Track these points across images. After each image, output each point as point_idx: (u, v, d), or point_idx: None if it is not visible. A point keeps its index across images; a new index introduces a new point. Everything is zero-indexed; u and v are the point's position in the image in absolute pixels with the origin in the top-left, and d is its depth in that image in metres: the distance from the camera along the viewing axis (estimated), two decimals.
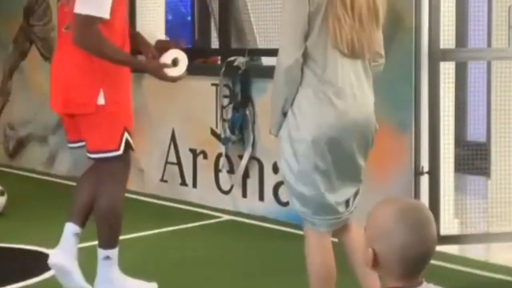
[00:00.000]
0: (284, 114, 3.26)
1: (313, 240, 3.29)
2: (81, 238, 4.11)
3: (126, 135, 4.11)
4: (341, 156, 3.19)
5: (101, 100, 3.98)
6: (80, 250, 4.09)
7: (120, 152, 4.04)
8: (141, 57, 4.35)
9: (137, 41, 4.24)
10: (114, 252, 4.00)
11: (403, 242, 1.91)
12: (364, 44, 3.19)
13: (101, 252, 3.99)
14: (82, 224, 4.10)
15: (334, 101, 3.14)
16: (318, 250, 3.27)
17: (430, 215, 1.97)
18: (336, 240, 3.46)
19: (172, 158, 6.41)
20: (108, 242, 3.98)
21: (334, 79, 3.15)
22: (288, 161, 3.20)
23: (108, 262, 3.99)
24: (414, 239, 1.91)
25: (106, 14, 3.76)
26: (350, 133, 3.20)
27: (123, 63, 4.00)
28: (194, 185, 6.28)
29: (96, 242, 4.06)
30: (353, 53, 3.18)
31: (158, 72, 4.06)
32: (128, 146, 4.11)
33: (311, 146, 3.14)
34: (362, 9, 3.15)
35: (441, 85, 4.86)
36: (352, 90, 3.20)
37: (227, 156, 5.93)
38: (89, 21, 3.72)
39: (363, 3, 3.16)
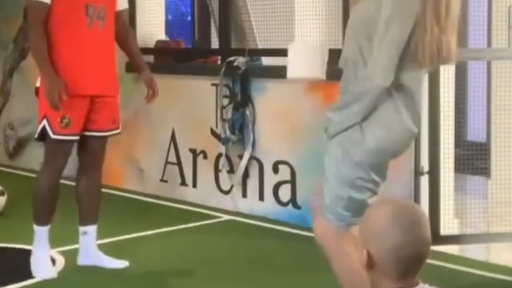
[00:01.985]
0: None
1: (346, 244, 3.10)
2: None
3: (44, 122, 4.31)
4: (388, 164, 3.12)
5: (37, 83, 4.44)
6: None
7: (36, 137, 4.43)
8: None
9: (131, 58, 4.71)
10: (38, 230, 4.40)
11: (397, 243, 1.91)
12: (445, 54, 2.99)
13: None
14: (82, 223, 4.56)
15: (403, 111, 3.02)
16: (351, 253, 3.12)
17: (424, 216, 1.98)
18: None
19: (172, 158, 6.41)
20: (34, 217, 4.40)
21: (407, 89, 3.03)
22: (339, 163, 3.02)
23: (35, 236, 4.40)
24: (407, 239, 1.92)
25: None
26: (407, 145, 3.15)
27: (35, 60, 4.28)
28: (194, 185, 6.28)
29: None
30: (432, 64, 3.03)
31: (49, 95, 4.19)
32: (45, 132, 4.33)
33: (372, 153, 3.00)
34: (454, 17, 2.96)
35: (441, 85, 4.86)
36: (416, 99, 3.10)
37: (227, 156, 5.93)
38: (31, 5, 4.24)
39: (456, 9, 2.97)
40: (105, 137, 4.52)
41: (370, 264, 1.95)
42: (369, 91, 2.96)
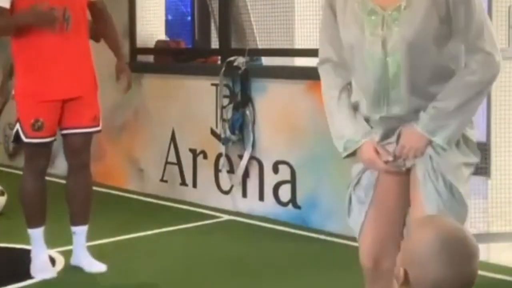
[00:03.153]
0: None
1: None
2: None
3: (17, 125, 4.40)
4: None
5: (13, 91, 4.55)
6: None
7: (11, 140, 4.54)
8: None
9: (109, 46, 4.70)
10: (31, 232, 4.43)
11: (440, 277, 1.74)
12: None
13: None
14: (71, 223, 4.56)
15: None
16: None
17: (474, 245, 1.79)
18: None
19: (172, 158, 6.41)
20: (26, 221, 4.43)
21: None
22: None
23: (31, 239, 4.44)
24: (452, 273, 1.74)
25: (6, 4, 4.18)
26: None
27: (17, 26, 4.25)
28: (194, 185, 6.28)
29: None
30: None
31: (46, 21, 4.20)
32: (18, 136, 4.40)
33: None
34: None
35: None
36: None
37: (227, 156, 5.93)
38: None
39: None
40: (87, 135, 4.47)
41: (406, 282, 1.79)
42: (494, 74, 2.67)
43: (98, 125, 4.50)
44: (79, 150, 4.46)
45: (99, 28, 4.59)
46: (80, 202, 4.48)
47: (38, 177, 4.38)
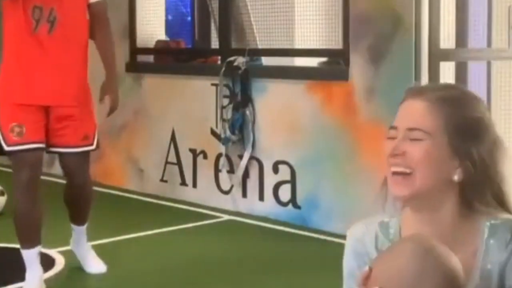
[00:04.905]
0: None
1: None
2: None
3: None
4: None
5: None
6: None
7: None
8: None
9: (100, 53, 4.27)
10: (24, 253, 4.08)
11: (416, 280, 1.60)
12: None
13: None
14: (70, 221, 4.42)
15: None
16: None
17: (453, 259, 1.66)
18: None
19: (172, 158, 6.41)
20: (18, 241, 4.14)
21: None
22: None
23: (25, 261, 4.09)
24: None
25: None
26: None
27: None
28: (194, 185, 6.28)
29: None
30: None
31: None
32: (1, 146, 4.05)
33: None
34: None
35: None
36: None
37: (227, 156, 5.93)
38: None
39: None
40: (78, 155, 4.13)
41: None
42: None
43: (90, 144, 4.16)
44: (73, 171, 4.17)
45: (93, 31, 4.19)
46: (78, 208, 4.32)
47: (27, 192, 3.98)
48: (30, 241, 4.05)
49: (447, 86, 1.91)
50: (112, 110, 4.21)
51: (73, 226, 4.41)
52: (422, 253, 1.62)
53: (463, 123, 1.79)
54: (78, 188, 4.23)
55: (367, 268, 1.66)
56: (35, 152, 3.98)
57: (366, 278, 1.65)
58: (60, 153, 4.15)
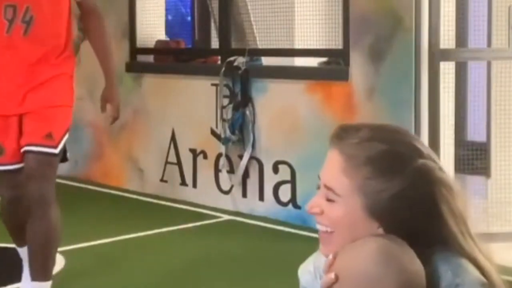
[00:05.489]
0: None
1: None
2: None
3: None
4: None
5: None
6: None
7: None
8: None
9: (97, 56, 3.80)
10: (20, 251, 3.84)
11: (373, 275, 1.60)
12: None
13: None
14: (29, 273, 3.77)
15: None
16: None
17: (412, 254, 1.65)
18: None
19: (172, 158, 6.41)
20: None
21: None
22: None
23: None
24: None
25: None
26: None
27: None
28: (194, 185, 6.28)
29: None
30: None
31: None
32: None
33: None
34: None
35: (441, 85, 4.86)
36: None
37: (227, 156, 5.93)
38: None
39: None
40: (38, 156, 3.46)
41: None
42: None
43: (53, 146, 3.48)
44: (32, 176, 3.44)
45: (87, 30, 3.75)
46: (35, 252, 3.50)
47: (7, 207, 3.62)
48: (20, 240, 3.75)
49: (372, 137, 1.70)
50: (114, 118, 3.83)
51: (31, 285, 3.58)
52: (383, 255, 1.61)
53: (381, 187, 1.65)
54: (39, 207, 3.47)
55: (331, 256, 1.66)
56: (12, 172, 3.53)
57: (330, 266, 1.66)
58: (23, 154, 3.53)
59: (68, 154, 3.71)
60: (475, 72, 6.06)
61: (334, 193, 1.68)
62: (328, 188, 1.69)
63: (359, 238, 1.66)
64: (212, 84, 6.00)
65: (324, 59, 5.70)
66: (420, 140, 1.73)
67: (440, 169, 1.70)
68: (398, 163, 1.66)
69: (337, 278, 1.62)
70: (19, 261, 4.22)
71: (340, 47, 5.34)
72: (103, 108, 3.80)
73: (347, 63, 5.28)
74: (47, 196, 3.47)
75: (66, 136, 3.57)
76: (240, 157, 5.84)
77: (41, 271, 3.49)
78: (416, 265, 1.62)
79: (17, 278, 4.29)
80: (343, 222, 1.68)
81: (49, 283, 3.51)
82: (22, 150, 3.47)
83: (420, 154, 1.68)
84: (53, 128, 3.50)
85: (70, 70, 3.66)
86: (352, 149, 1.68)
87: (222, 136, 5.91)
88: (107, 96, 3.79)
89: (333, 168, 1.70)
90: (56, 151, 3.48)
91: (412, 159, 1.66)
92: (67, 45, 3.62)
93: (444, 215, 1.68)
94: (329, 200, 1.69)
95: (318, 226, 1.73)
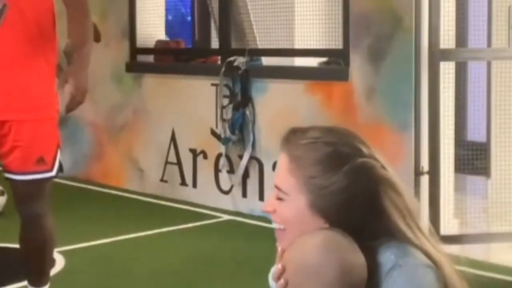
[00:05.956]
0: None
1: None
2: None
3: None
4: None
5: None
6: None
7: None
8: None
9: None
10: None
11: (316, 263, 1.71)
12: None
13: None
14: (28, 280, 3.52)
15: None
16: None
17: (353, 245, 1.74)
18: None
19: (172, 158, 6.41)
20: None
21: None
22: None
23: None
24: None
25: None
26: None
27: None
28: (194, 185, 6.28)
29: None
30: None
31: None
32: None
33: None
34: None
35: (441, 85, 4.86)
36: None
37: (227, 156, 5.93)
38: None
39: None
40: (29, 184, 3.17)
41: None
42: None
43: (49, 169, 3.19)
44: (25, 201, 3.23)
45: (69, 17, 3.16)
46: (31, 260, 3.35)
47: None
48: None
49: (317, 139, 1.81)
50: (74, 102, 3.10)
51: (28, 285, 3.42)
52: (325, 246, 1.70)
53: (322, 185, 1.75)
54: (27, 231, 3.31)
55: (280, 249, 1.79)
56: None
57: (280, 258, 1.79)
58: (11, 180, 3.22)
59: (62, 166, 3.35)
60: (475, 72, 6.05)
61: (283, 192, 1.80)
62: (278, 188, 1.82)
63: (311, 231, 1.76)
64: (212, 84, 6.00)
65: (324, 59, 5.70)
66: (366, 142, 1.81)
67: (383, 167, 1.79)
68: (339, 162, 1.75)
69: (284, 268, 1.74)
70: (19, 261, 4.22)
71: (340, 47, 5.34)
72: (61, 86, 3.09)
73: (347, 63, 5.28)
74: (41, 213, 3.27)
75: (59, 154, 3.24)
76: (240, 157, 5.84)
77: (39, 278, 3.39)
78: (356, 257, 1.71)
79: (17, 278, 4.30)
80: (293, 219, 1.79)
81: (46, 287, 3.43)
82: (10, 176, 3.18)
83: (361, 153, 1.77)
84: (43, 151, 3.16)
85: (52, 70, 3.20)
86: (297, 151, 1.81)
87: (222, 136, 5.91)
88: (69, 70, 3.09)
89: (281, 169, 1.82)
90: (53, 173, 3.22)
91: (352, 158, 1.76)
92: (52, 38, 3.17)
93: (387, 210, 1.75)
94: (279, 199, 1.82)
95: (274, 224, 1.85)
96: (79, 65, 3.12)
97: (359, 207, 1.75)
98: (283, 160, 1.83)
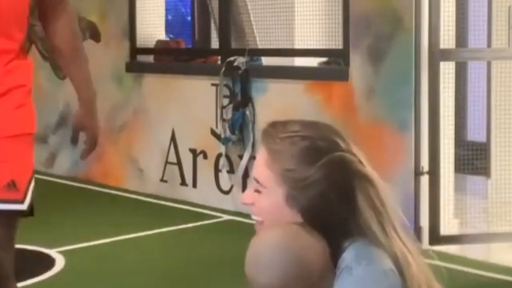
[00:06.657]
0: None
1: None
2: None
3: None
4: None
5: None
6: None
7: None
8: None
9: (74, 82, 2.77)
10: None
11: None
12: None
13: None
14: None
15: None
16: None
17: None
18: None
19: (172, 158, 6.41)
20: None
21: None
22: None
23: None
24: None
25: None
26: None
27: None
28: (194, 185, 6.28)
29: None
30: None
31: None
32: None
33: None
34: None
35: (441, 85, 4.86)
36: None
37: (227, 156, 5.93)
38: None
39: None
40: None
41: None
42: None
43: (19, 200, 2.44)
44: None
45: (47, 30, 2.64)
46: None
47: None
48: None
49: (295, 133, 1.82)
50: (90, 150, 2.75)
51: None
52: (281, 242, 1.72)
53: (299, 177, 1.76)
54: None
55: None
56: None
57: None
58: None
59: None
60: (475, 72, 6.05)
61: (260, 185, 1.82)
62: (256, 180, 1.83)
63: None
64: (212, 84, 6.00)
65: (324, 59, 5.70)
66: (344, 137, 1.81)
67: (360, 162, 1.77)
68: (315, 155, 1.76)
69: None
70: (19, 261, 4.22)
71: (340, 47, 5.34)
72: (75, 139, 2.81)
73: (347, 63, 5.28)
74: (8, 272, 2.56)
75: (33, 183, 2.56)
76: (240, 157, 5.84)
77: None
78: (311, 255, 1.71)
79: (17, 278, 4.29)
80: (269, 212, 1.80)
81: None
82: None
83: (338, 148, 1.77)
84: (15, 173, 2.46)
85: (28, 81, 2.64)
86: (275, 144, 1.83)
87: (222, 136, 5.91)
88: (81, 120, 2.74)
89: (260, 162, 1.86)
90: (24, 206, 2.46)
91: (329, 151, 1.76)
92: (22, 48, 2.59)
93: (360, 206, 1.74)
94: (257, 191, 1.82)
95: (253, 216, 1.85)
96: (90, 109, 2.74)
97: (334, 201, 1.74)
98: (261, 153, 1.86)
